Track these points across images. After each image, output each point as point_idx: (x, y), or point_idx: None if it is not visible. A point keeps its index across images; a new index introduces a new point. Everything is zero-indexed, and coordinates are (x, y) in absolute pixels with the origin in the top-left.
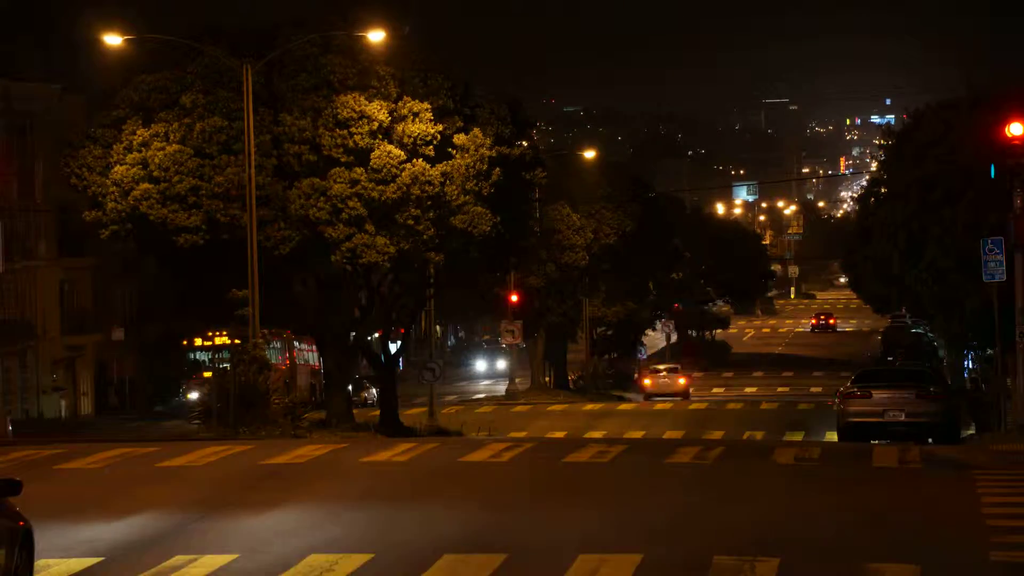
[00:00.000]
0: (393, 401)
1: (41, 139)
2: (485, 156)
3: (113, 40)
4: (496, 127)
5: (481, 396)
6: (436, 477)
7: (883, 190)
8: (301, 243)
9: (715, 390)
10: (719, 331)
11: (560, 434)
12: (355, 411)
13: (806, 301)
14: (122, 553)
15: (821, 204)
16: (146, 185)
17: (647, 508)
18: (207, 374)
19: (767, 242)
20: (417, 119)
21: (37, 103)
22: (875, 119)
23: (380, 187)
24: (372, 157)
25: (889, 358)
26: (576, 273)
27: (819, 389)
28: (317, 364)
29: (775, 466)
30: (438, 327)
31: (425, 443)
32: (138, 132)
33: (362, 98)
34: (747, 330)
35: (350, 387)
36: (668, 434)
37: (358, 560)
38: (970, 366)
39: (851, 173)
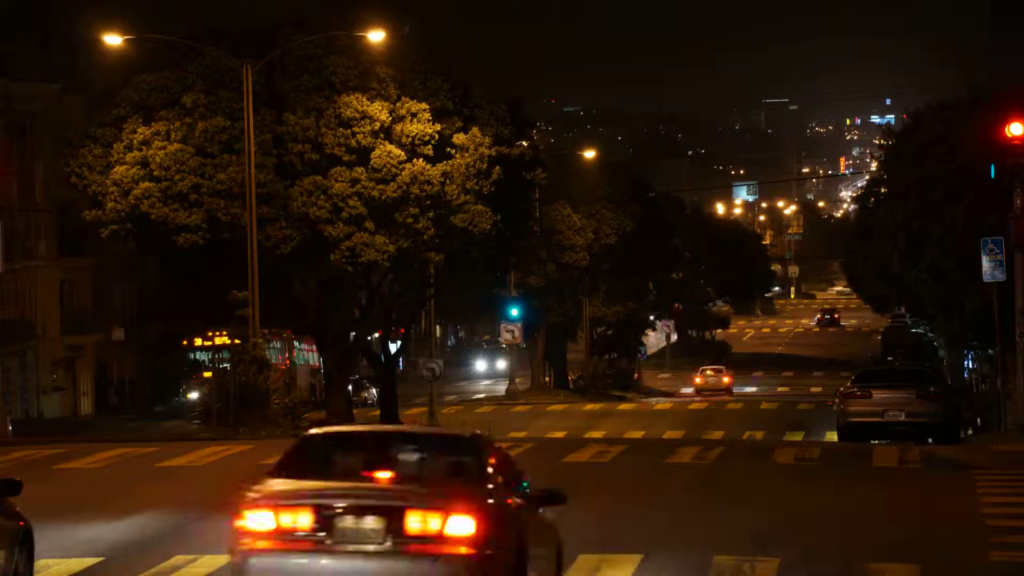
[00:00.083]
0: (393, 401)
1: (41, 139)
2: (485, 155)
3: (113, 40)
4: (496, 127)
5: (481, 396)
6: None
7: (883, 190)
8: (301, 242)
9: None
10: (719, 331)
11: (560, 434)
12: (355, 411)
13: (806, 301)
14: (122, 553)
15: (821, 204)
16: (147, 184)
17: (647, 508)
18: (207, 374)
19: (767, 242)
20: (415, 119)
21: (37, 103)
22: (875, 119)
23: (380, 186)
24: (372, 157)
25: (889, 358)
26: (576, 273)
27: (819, 389)
28: (317, 364)
29: (775, 466)
30: (438, 327)
31: None
32: (139, 131)
33: (364, 98)
34: (747, 330)
35: (350, 387)
36: (668, 434)
37: None
38: (970, 366)
39: (851, 173)
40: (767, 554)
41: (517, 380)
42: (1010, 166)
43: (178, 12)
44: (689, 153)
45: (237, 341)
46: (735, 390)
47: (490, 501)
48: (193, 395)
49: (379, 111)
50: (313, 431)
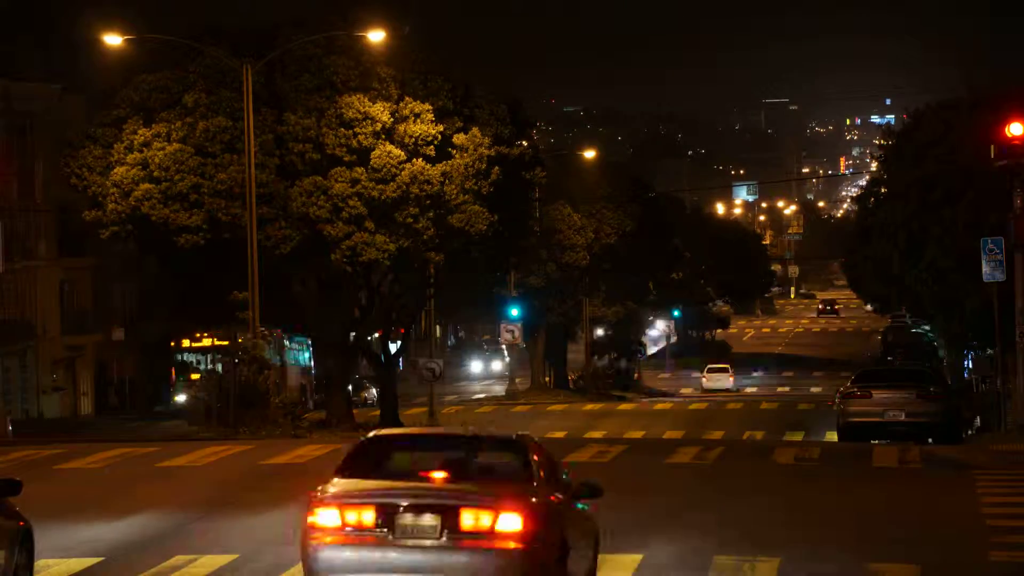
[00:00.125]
0: (393, 401)
1: (41, 139)
2: (484, 156)
3: (113, 40)
4: (496, 127)
5: (481, 396)
6: None
7: (883, 190)
8: (301, 242)
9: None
10: (719, 331)
11: (560, 434)
12: (355, 411)
13: (806, 301)
14: (122, 553)
15: (821, 204)
16: (147, 185)
17: (647, 508)
18: (195, 376)
19: (767, 242)
20: (419, 120)
21: (37, 103)
22: (875, 119)
23: (380, 186)
24: (372, 157)
25: (889, 358)
26: (576, 273)
27: (819, 389)
28: (309, 364)
29: (775, 466)
30: (438, 327)
31: None
32: (139, 132)
33: (366, 99)
34: (747, 330)
35: (350, 387)
36: (668, 434)
37: None
38: (970, 366)
39: (851, 173)
40: (767, 554)
41: (517, 380)
42: (1010, 166)
43: (178, 12)
44: (689, 153)
45: (225, 342)
46: (740, 386)
47: (535, 499)
48: (181, 398)
49: (381, 112)
50: (373, 433)
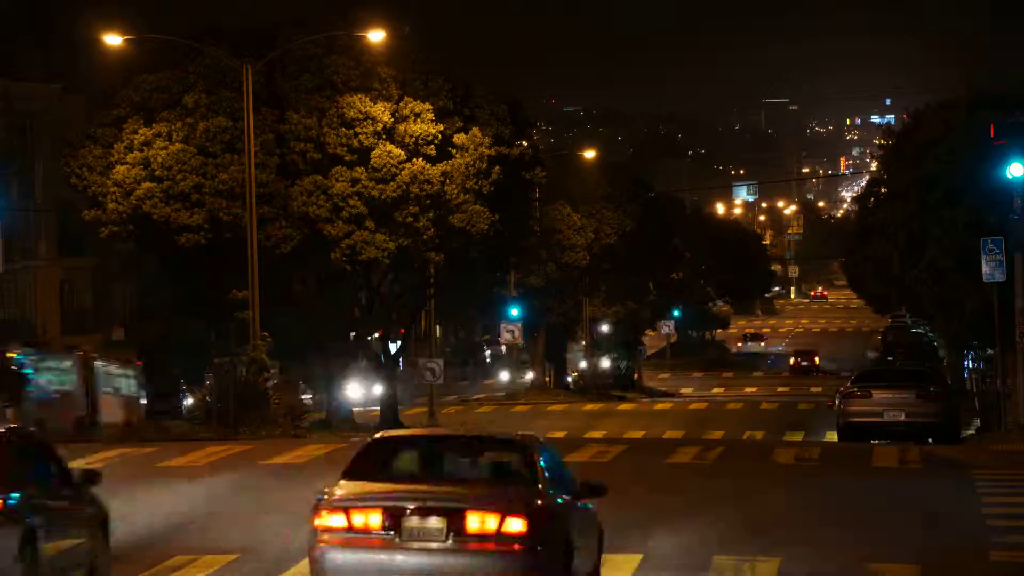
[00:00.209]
0: (393, 401)
1: (41, 139)
2: (485, 155)
3: (113, 40)
4: (496, 127)
5: (481, 396)
6: None
7: (883, 190)
8: (301, 242)
9: (715, 390)
10: (719, 331)
11: (560, 434)
12: (355, 410)
13: (806, 301)
14: (122, 553)
15: (821, 204)
16: (148, 184)
17: (647, 508)
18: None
19: (767, 242)
20: (419, 119)
21: (37, 103)
22: (875, 119)
23: (380, 186)
24: (372, 156)
25: (889, 358)
26: (576, 273)
27: (819, 389)
28: (136, 393)
29: (775, 466)
30: (438, 327)
31: None
32: (139, 132)
33: (367, 99)
34: (747, 330)
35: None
36: (668, 434)
37: None
38: (970, 366)
39: (851, 173)
40: (767, 554)
41: (517, 380)
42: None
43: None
44: (689, 153)
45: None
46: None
47: (540, 502)
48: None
49: (382, 112)
50: (379, 435)
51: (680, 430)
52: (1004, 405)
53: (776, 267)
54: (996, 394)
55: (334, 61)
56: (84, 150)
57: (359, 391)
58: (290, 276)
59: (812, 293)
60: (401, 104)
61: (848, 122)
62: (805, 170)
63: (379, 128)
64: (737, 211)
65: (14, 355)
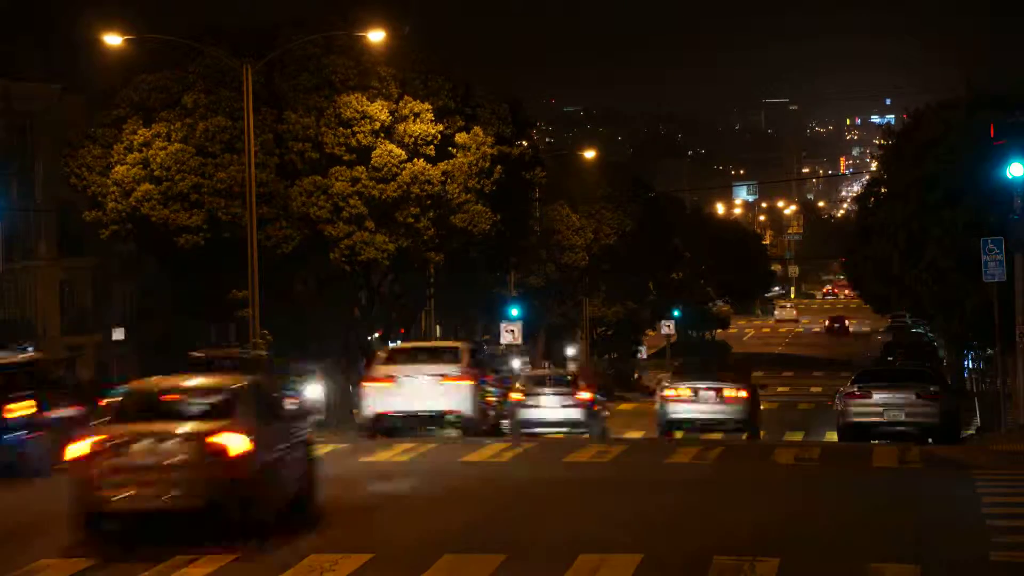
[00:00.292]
0: None
1: (41, 139)
2: (487, 154)
3: (113, 40)
4: (497, 126)
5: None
6: (436, 477)
7: (883, 190)
8: (301, 242)
9: None
10: (719, 331)
11: (560, 434)
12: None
13: (806, 301)
14: (122, 553)
15: (821, 204)
16: (147, 186)
17: (647, 508)
18: None
19: (767, 242)
20: (418, 119)
21: (37, 103)
22: (875, 119)
23: (380, 186)
24: (373, 156)
25: (889, 358)
26: (576, 273)
27: (819, 389)
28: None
29: (775, 466)
30: (438, 327)
31: (425, 443)
32: (139, 132)
33: (364, 98)
34: (747, 330)
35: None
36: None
37: (358, 560)
38: (970, 366)
39: (851, 173)
40: (767, 554)
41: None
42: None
43: (178, 12)
44: (689, 153)
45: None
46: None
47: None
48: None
49: (379, 111)
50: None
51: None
52: (1004, 405)
53: (776, 267)
54: (996, 394)
55: (332, 61)
56: (84, 150)
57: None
58: (290, 276)
59: (824, 290)
60: (400, 104)
61: (848, 122)
62: (805, 170)
63: (376, 127)
64: (737, 211)
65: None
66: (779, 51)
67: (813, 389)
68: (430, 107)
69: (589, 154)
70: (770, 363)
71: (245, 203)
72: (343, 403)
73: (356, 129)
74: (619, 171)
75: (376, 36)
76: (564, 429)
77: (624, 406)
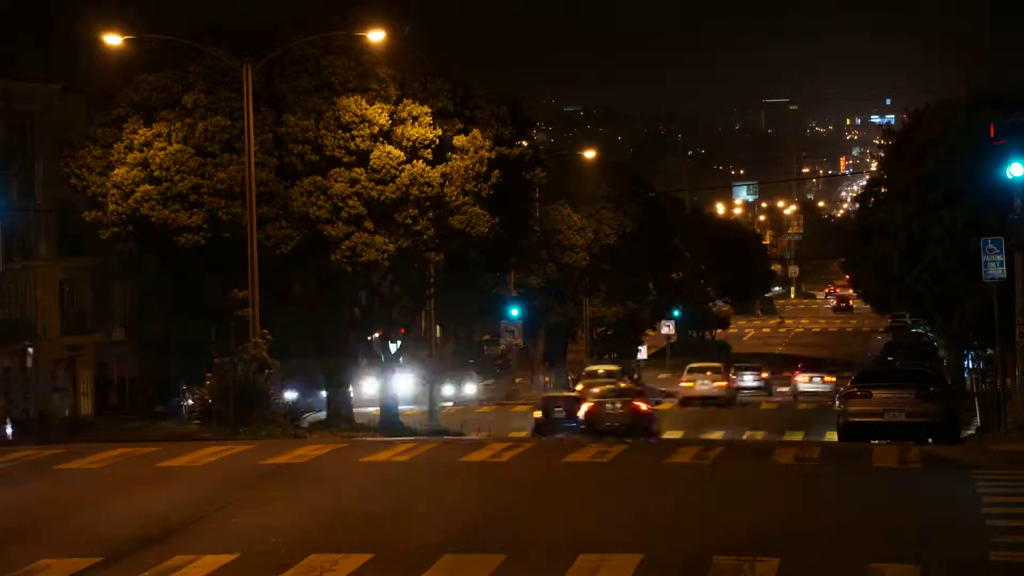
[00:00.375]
0: (393, 401)
1: (41, 139)
2: (484, 158)
3: (113, 40)
4: (496, 128)
5: (481, 396)
6: (436, 477)
7: (883, 190)
8: (301, 242)
9: None
10: (719, 331)
11: (560, 434)
12: (355, 410)
13: (806, 301)
14: (122, 553)
15: (821, 204)
16: (147, 187)
17: (647, 508)
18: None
19: (767, 242)
20: (417, 123)
21: (37, 103)
22: (875, 119)
23: (379, 187)
24: (372, 158)
25: (889, 358)
26: (576, 273)
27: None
28: None
29: (775, 466)
30: (438, 327)
31: (425, 443)
32: (139, 132)
33: (363, 101)
34: (747, 330)
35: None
36: (668, 434)
37: (359, 560)
38: (970, 366)
39: (851, 173)
40: (767, 554)
41: (517, 380)
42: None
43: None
44: (689, 153)
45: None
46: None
47: None
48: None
49: (378, 114)
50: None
51: (680, 430)
52: (1004, 405)
53: (776, 267)
54: (996, 394)
55: (332, 62)
56: (84, 150)
57: (359, 391)
58: (290, 276)
59: (827, 290)
60: (399, 107)
61: (848, 122)
62: (805, 170)
63: (375, 131)
64: (737, 211)
65: None
66: (779, 51)
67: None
68: (429, 110)
69: (589, 154)
70: (770, 363)
71: (245, 203)
72: (343, 403)
73: (355, 133)
74: (619, 171)
75: (376, 36)
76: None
77: None
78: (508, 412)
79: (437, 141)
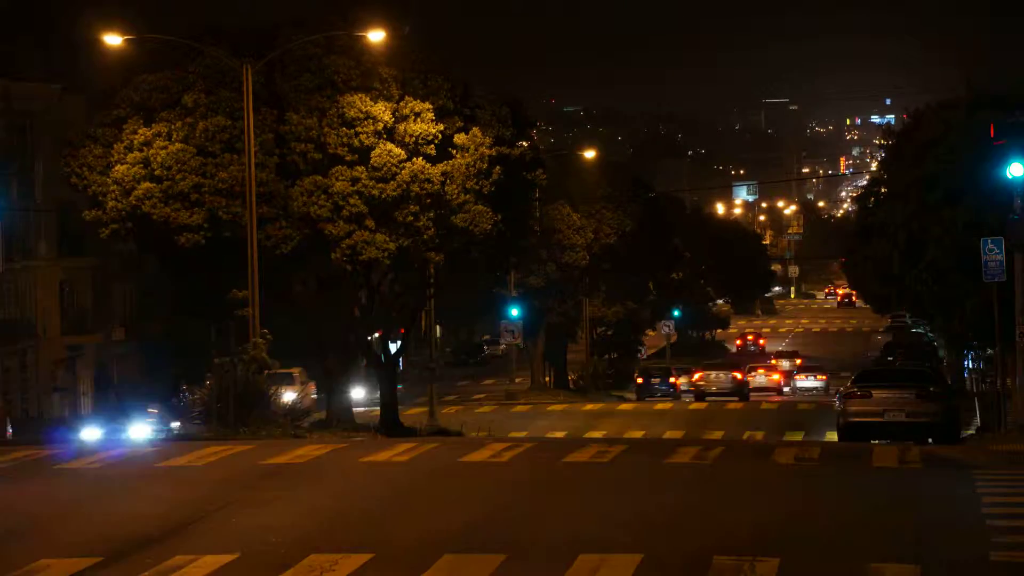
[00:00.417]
0: (393, 401)
1: (41, 139)
2: (485, 155)
3: (113, 40)
4: (496, 127)
5: (481, 396)
6: (436, 477)
7: (883, 190)
8: (302, 242)
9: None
10: (719, 331)
11: (560, 434)
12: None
13: (806, 301)
14: (122, 553)
15: (821, 204)
16: (148, 184)
17: (647, 508)
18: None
19: (767, 242)
20: (419, 119)
21: (37, 103)
22: (875, 119)
23: (380, 185)
24: (373, 156)
25: (889, 358)
26: (576, 273)
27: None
28: None
29: (775, 466)
30: (438, 327)
31: (425, 443)
32: (139, 131)
33: (367, 98)
34: (747, 330)
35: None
36: (668, 434)
37: (358, 560)
38: (970, 366)
39: (851, 173)
40: (767, 554)
41: (517, 380)
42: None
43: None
44: (689, 153)
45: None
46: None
47: None
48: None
49: (382, 111)
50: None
51: (680, 430)
52: (1004, 405)
53: (776, 267)
54: (996, 394)
55: (334, 61)
56: (84, 150)
57: (359, 391)
58: (290, 276)
59: (827, 290)
60: (401, 104)
61: (848, 122)
62: (805, 170)
63: (379, 128)
64: (737, 211)
65: None
66: (779, 51)
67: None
68: (430, 107)
69: (589, 154)
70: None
71: (245, 202)
72: (343, 403)
73: (359, 129)
74: (619, 171)
75: (376, 36)
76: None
77: (624, 406)
78: (508, 412)
79: (440, 136)
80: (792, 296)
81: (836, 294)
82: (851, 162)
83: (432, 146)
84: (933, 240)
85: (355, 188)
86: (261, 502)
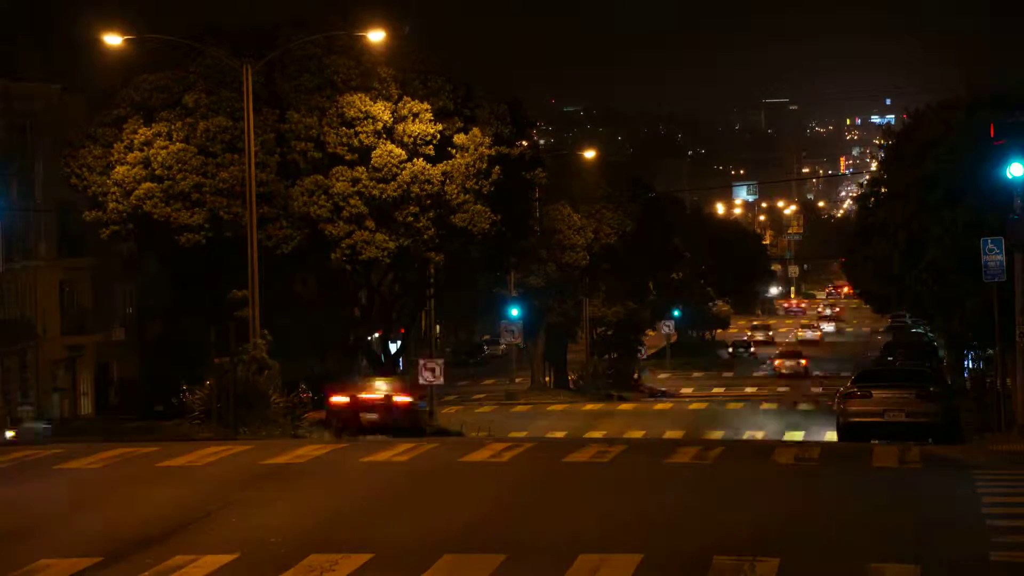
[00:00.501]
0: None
1: (41, 139)
2: (485, 155)
3: (113, 40)
4: (496, 127)
5: (481, 396)
6: (436, 477)
7: (883, 190)
8: (302, 242)
9: (715, 390)
10: (719, 331)
11: (560, 434)
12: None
13: (806, 301)
14: (122, 553)
15: (821, 204)
16: (148, 184)
17: (647, 508)
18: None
19: (767, 242)
20: (418, 119)
21: (37, 103)
22: (875, 119)
23: (381, 185)
24: (373, 156)
25: (889, 358)
26: (576, 273)
27: (819, 389)
28: None
29: (775, 466)
30: (438, 327)
31: (425, 443)
32: (140, 131)
33: (367, 98)
34: (747, 330)
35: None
36: (668, 434)
37: (358, 560)
38: (970, 366)
39: (851, 173)
40: (767, 554)
41: (517, 380)
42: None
43: (178, 12)
44: (689, 153)
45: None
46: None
47: None
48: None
49: (382, 111)
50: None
51: (680, 430)
52: (1004, 405)
53: (776, 267)
54: (996, 394)
55: (334, 61)
56: (84, 150)
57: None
58: (290, 276)
59: (827, 289)
60: (400, 104)
61: (848, 122)
62: (805, 170)
63: (379, 127)
64: (737, 211)
65: None
66: (779, 51)
67: (813, 389)
68: (429, 107)
69: (589, 154)
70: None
71: (246, 202)
72: None
73: (359, 129)
74: (619, 171)
75: (376, 36)
76: None
77: (624, 406)
78: (508, 412)
79: (438, 137)
80: (792, 296)
81: (836, 292)
82: (851, 162)
83: (431, 146)
84: (933, 240)
85: (356, 189)
86: (261, 502)
